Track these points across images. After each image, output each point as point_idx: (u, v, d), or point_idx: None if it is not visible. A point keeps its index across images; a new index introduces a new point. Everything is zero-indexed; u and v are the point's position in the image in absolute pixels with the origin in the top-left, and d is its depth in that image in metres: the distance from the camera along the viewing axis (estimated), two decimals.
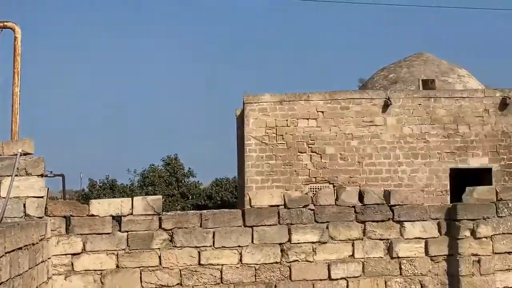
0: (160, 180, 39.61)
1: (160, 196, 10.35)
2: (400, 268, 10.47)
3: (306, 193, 10.58)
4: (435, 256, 10.53)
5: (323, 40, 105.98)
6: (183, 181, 40.63)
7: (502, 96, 23.61)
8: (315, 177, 23.81)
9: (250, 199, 10.38)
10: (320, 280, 10.32)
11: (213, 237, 10.15)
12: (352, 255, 10.40)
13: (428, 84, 26.13)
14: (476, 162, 23.60)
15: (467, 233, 10.34)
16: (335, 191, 10.52)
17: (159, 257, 10.02)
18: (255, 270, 10.22)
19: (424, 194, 22.97)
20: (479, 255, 10.34)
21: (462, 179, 19.81)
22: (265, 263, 10.23)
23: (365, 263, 10.41)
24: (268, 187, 23.35)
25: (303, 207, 10.37)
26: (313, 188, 22.74)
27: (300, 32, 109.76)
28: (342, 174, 23.77)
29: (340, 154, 23.84)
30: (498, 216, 10.55)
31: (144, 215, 10.03)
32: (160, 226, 10.07)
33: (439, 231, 10.56)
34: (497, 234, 10.50)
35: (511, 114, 23.61)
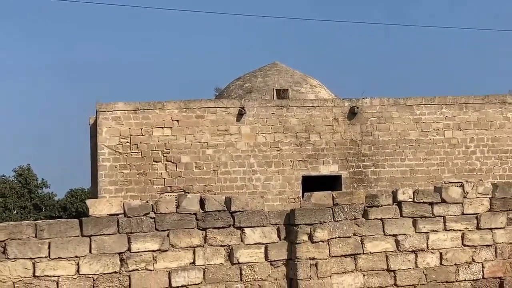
0: (12, 191, 38.05)
1: None
2: (241, 274, 10.56)
3: (147, 201, 10.43)
4: (274, 261, 10.71)
5: (181, 48, 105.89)
6: (36, 193, 39.27)
7: (351, 105, 24.50)
8: (170, 186, 23.64)
9: (88, 208, 10.11)
10: None
11: (49, 247, 9.81)
12: (193, 262, 10.39)
13: (281, 93, 26.72)
14: (326, 169, 24.33)
15: (305, 238, 10.58)
16: (176, 198, 10.46)
17: None
18: (93, 280, 9.98)
19: (278, 201, 23.92)
20: (316, 258, 10.61)
21: (315, 186, 20.36)
22: (104, 273, 10.00)
23: (206, 270, 10.42)
24: (122, 197, 22.89)
25: (143, 215, 10.24)
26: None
27: (156, 39, 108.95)
28: (197, 183, 23.77)
29: (196, 163, 23.84)
30: (335, 221, 10.88)
31: None
32: None
33: (279, 236, 10.76)
34: (333, 238, 10.83)
35: (359, 123, 24.55)
